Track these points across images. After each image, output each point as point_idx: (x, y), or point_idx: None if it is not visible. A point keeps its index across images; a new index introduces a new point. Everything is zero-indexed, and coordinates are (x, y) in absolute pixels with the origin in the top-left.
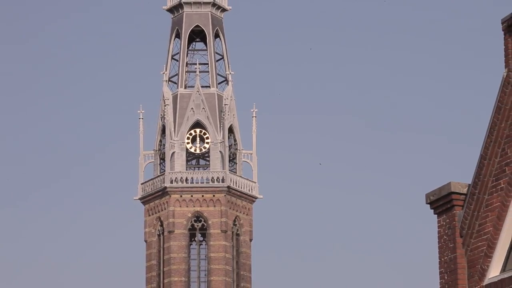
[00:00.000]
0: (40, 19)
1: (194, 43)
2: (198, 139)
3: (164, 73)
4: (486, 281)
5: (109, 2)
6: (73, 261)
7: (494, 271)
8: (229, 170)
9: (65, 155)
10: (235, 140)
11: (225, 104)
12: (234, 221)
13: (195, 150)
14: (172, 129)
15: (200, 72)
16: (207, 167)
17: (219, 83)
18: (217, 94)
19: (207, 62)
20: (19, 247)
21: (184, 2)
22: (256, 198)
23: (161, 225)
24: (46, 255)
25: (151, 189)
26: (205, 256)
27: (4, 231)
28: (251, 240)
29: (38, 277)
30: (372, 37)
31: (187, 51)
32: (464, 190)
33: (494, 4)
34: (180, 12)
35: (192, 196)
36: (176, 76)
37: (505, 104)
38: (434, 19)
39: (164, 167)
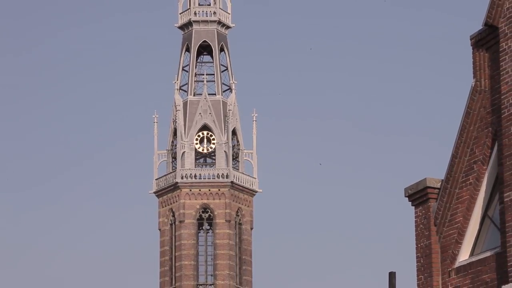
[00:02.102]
0: (73, 37)
1: (202, 56)
2: (205, 140)
3: (175, 82)
4: (456, 264)
5: (129, 22)
6: (95, 247)
7: (463, 256)
8: (233, 167)
9: (88, 156)
10: (237, 141)
11: (229, 110)
12: (237, 212)
13: (203, 150)
14: (183, 131)
15: (207, 81)
16: (213, 165)
17: (223, 91)
18: (222, 101)
19: (213, 73)
20: (48, 232)
21: (193, 21)
22: (256, 192)
23: (173, 216)
24: (73, 241)
25: (164, 184)
26: (212, 243)
27: (34, 216)
28: (251, 228)
29: (64, 259)
30: (362, 49)
31: (196, 63)
32: (438, 185)
33: (470, 23)
34: (190, 29)
35: (200, 190)
36: (186, 85)
37: (473, 109)
38: (413, 33)
39: (176, 164)
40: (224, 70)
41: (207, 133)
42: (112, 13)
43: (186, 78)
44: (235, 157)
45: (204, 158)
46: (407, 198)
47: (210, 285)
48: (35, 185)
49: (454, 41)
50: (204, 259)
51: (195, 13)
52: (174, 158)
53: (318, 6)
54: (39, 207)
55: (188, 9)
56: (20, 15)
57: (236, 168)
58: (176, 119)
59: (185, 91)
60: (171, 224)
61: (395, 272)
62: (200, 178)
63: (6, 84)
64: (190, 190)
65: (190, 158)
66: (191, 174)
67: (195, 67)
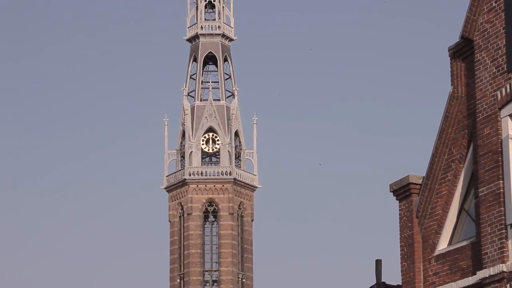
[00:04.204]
0: (91, 46)
1: (207, 65)
2: (210, 141)
3: (184, 89)
4: (436, 252)
5: (143, 36)
6: (110, 238)
7: (442, 245)
8: (235, 165)
9: (104, 155)
10: (239, 142)
11: (232, 114)
12: (239, 205)
13: (208, 150)
14: (190, 133)
15: (212, 88)
16: (218, 163)
17: (227, 97)
18: (226, 105)
19: (218, 81)
20: (70, 221)
21: (200, 34)
22: (256, 187)
23: (182, 209)
24: (91, 230)
25: (174, 180)
26: (216, 233)
27: (59, 205)
28: (252, 220)
29: (82, 245)
30: (356, 55)
31: (202, 72)
32: (420, 181)
33: (449, 36)
34: (197, 41)
35: (206, 186)
36: (194, 92)
37: (451, 113)
38: (401, 42)
39: (184, 163)
40: (228, 78)
41: (212, 135)
42: (129, 29)
43: (194, 85)
44: (238, 156)
45: (210, 157)
46: (392, 193)
47: (215, 271)
48: (59, 179)
49: (435, 51)
50: (209, 248)
51: (201, 27)
52: (183, 157)
53: (311, 19)
54: (64, 197)
55: (196, 23)
56: (44, 19)
57: (238, 166)
58: (184, 122)
59: (192, 97)
60: (180, 217)
61: (381, 260)
62: (206, 175)
63: (36, 79)
64: (197, 186)
65: (197, 157)
66: (198, 171)
67: (202, 75)
